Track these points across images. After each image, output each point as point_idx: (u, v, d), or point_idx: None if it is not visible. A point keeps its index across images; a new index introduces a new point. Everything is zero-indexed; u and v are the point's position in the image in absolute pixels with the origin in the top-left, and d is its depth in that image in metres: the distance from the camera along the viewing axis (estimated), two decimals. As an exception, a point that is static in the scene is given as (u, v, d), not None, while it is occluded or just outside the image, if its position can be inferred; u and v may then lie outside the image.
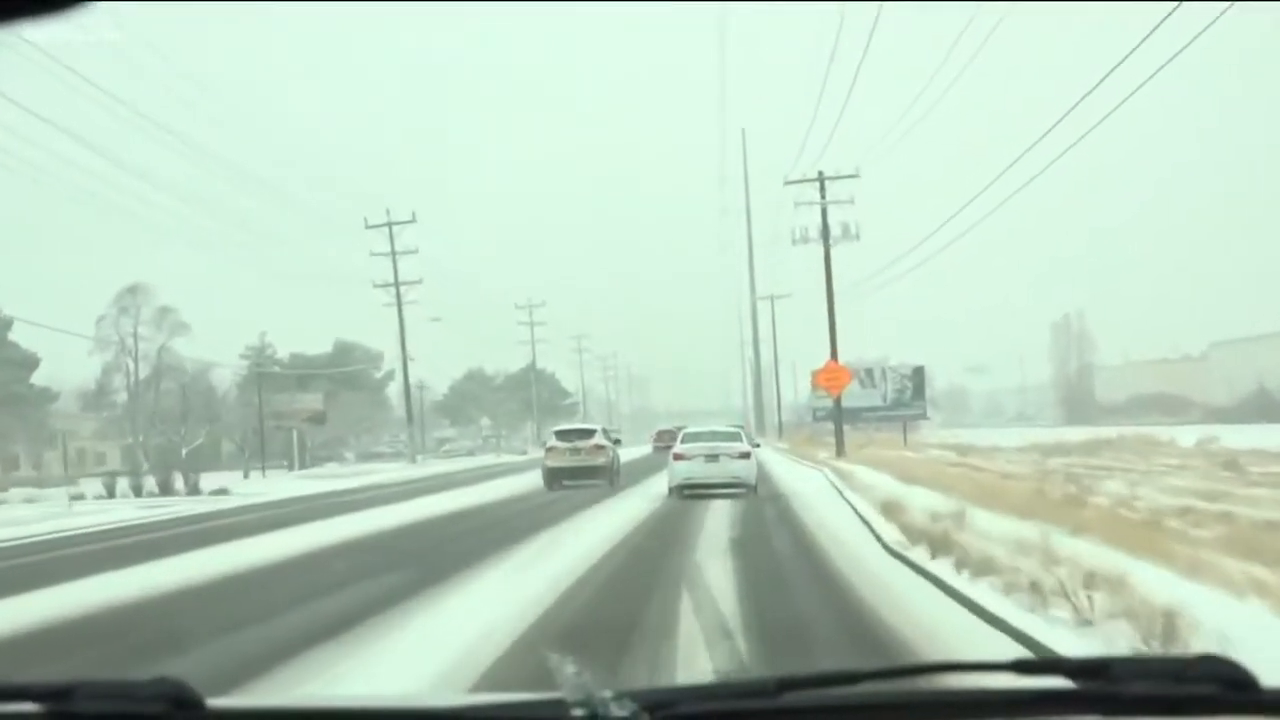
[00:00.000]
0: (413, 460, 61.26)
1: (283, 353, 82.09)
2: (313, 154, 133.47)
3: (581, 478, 28.99)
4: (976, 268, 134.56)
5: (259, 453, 73.96)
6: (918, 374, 60.57)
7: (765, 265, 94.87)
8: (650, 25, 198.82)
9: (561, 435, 31.01)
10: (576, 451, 29.62)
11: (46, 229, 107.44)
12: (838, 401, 40.87)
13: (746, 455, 24.25)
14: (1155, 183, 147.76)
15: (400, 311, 59.70)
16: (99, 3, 1.50)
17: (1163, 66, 16.96)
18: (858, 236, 39.10)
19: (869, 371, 60.88)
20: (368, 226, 58.77)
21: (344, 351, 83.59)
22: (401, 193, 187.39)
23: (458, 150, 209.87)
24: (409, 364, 61.64)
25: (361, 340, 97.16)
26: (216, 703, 1.58)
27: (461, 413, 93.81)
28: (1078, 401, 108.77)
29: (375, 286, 59.53)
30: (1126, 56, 17.88)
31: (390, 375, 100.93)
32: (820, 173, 39.00)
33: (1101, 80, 19.10)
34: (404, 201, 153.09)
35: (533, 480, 31.40)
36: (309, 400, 61.38)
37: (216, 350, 79.49)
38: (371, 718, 1.67)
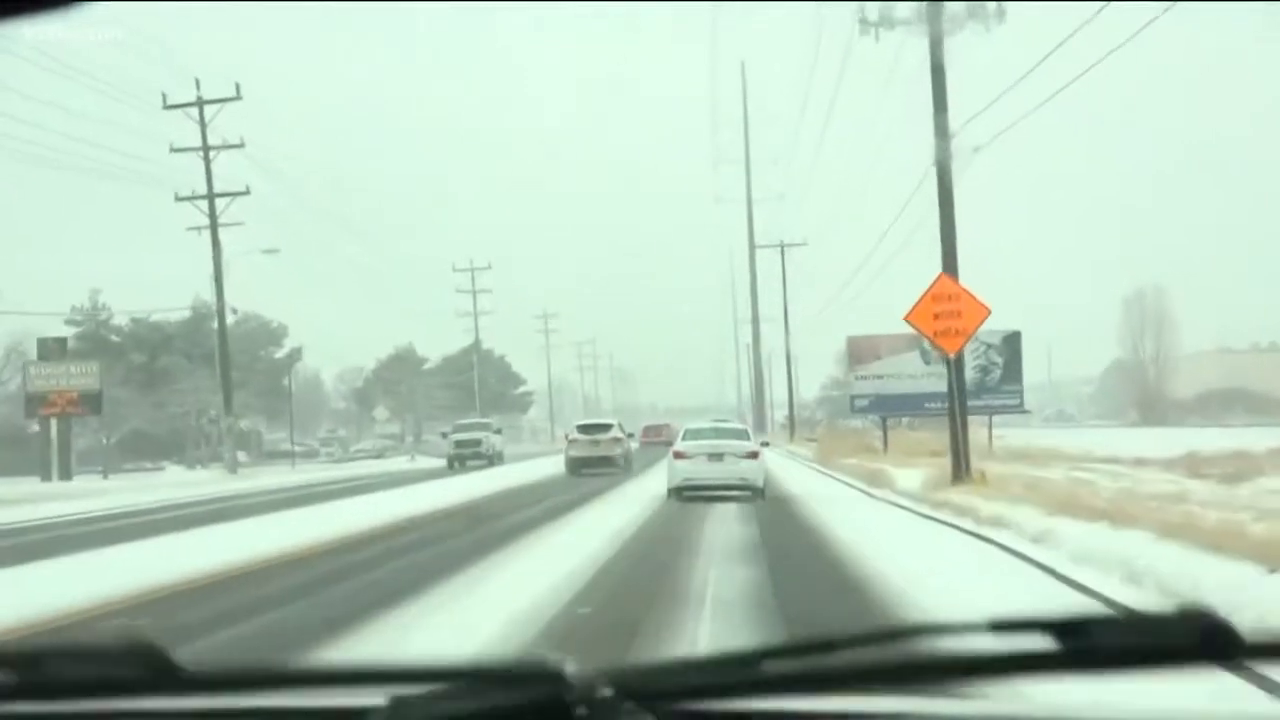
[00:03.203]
0: (233, 469, 40.03)
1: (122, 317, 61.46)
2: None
3: (600, 466, 31.43)
4: (1007, 229, 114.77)
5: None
6: (1011, 345, 39.86)
7: (765, 220, 73.92)
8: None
9: (583, 429, 33.77)
10: (596, 443, 32.50)
11: None
12: (956, 364, 20.37)
13: (754, 455, 21.19)
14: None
15: (215, 235, 38.52)
16: None
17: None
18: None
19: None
20: (166, 106, 37.65)
21: (205, 316, 62.62)
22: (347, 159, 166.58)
23: (407, 106, 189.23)
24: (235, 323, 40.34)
25: (258, 310, 77.09)
26: (192, 664, 1.51)
27: (376, 403, 73.24)
28: (1151, 397, 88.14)
29: (178, 199, 38.43)
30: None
31: (297, 354, 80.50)
32: None
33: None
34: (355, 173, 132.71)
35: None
36: (76, 376, 40.40)
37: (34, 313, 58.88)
38: (348, 678, 1.63)
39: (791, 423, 65.67)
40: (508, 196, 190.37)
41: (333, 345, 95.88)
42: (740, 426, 26.62)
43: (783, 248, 56.32)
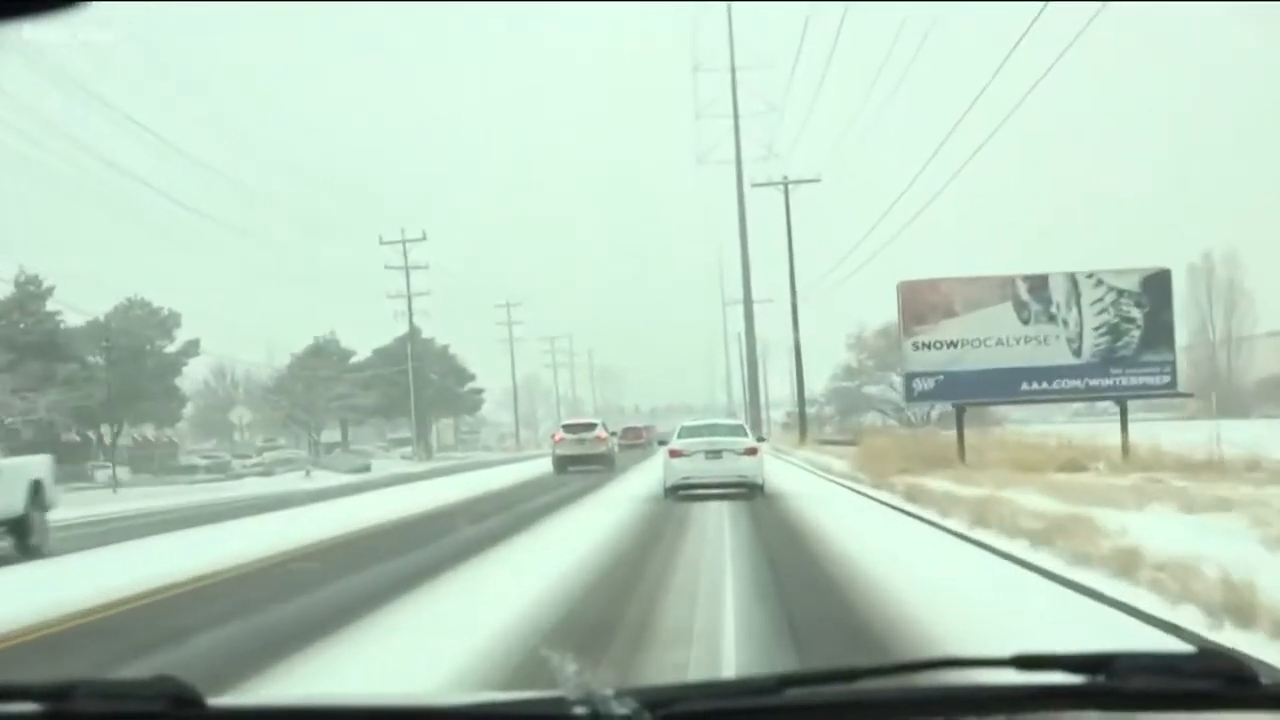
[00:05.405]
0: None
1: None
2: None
3: (586, 464, 33.85)
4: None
5: None
6: (1156, 290, 25.54)
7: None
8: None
9: (569, 429, 36.95)
10: (582, 442, 35.01)
11: None
12: None
13: (753, 451, 21.46)
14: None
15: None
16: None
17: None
18: None
19: (1035, 286, 26.18)
20: None
21: (33, 296, 48.14)
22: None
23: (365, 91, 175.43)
24: None
25: (144, 294, 63.10)
26: (217, 702, 1.57)
27: (275, 406, 59.17)
28: (1223, 384, 74.29)
29: None
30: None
31: (193, 347, 66.08)
32: None
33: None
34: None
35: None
36: None
37: None
38: (374, 716, 1.65)
39: (802, 420, 51.35)
40: (474, 182, 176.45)
41: (260, 340, 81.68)
42: (736, 422, 27.49)
43: (786, 185, 42.21)
